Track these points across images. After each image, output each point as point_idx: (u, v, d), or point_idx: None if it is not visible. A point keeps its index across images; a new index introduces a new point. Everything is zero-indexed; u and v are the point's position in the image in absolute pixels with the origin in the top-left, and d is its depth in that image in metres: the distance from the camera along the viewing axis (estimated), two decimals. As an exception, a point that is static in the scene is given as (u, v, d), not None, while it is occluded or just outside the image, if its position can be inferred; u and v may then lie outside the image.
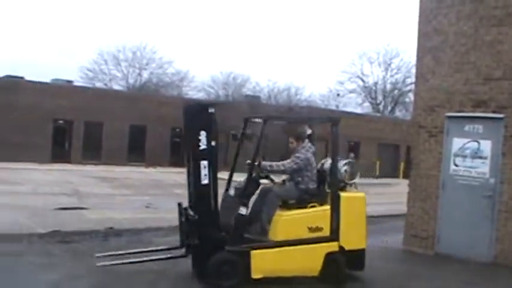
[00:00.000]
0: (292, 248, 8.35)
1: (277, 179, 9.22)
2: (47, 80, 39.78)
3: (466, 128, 11.24)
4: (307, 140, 9.08)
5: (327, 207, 8.61)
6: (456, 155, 11.32)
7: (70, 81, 41.79)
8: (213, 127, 8.34)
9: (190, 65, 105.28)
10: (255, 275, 8.18)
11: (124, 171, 32.84)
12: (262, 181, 8.87)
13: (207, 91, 60.46)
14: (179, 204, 8.65)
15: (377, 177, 40.58)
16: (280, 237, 8.39)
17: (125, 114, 38.51)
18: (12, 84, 35.24)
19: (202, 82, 61.34)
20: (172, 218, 10.02)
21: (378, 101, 65.86)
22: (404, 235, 12.11)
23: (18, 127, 33.59)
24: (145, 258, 8.70)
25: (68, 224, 12.70)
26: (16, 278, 8.23)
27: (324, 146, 28.54)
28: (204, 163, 8.22)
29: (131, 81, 57.23)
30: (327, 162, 9.08)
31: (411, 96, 42.54)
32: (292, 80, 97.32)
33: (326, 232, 8.52)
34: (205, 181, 8.23)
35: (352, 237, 8.68)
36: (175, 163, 36.39)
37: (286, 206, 8.72)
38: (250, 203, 8.58)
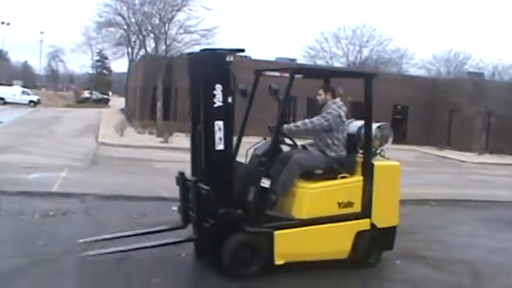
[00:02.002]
0: (320, 227, 7.00)
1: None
2: (272, 58, 37.69)
3: None
4: (339, 98, 7.57)
5: (359, 178, 7.29)
6: None
7: (293, 60, 39.98)
8: (230, 80, 6.72)
9: (410, 42, 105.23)
10: (278, 260, 6.83)
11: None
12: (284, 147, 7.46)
13: (427, 68, 60.30)
14: (181, 174, 7.13)
15: None
16: (306, 215, 7.00)
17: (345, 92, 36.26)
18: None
19: (422, 59, 61.29)
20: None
21: None
22: None
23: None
24: (142, 245, 7.07)
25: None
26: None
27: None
28: (219, 124, 6.65)
29: (351, 58, 57.24)
30: (352, 125, 7.69)
31: None
32: None
33: (357, 208, 7.26)
34: (220, 146, 6.68)
35: (384, 214, 7.45)
36: (395, 140, 33.91)
37: (312, 177, 7.22)
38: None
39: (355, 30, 57.89)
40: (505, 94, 32.70)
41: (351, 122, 7.78)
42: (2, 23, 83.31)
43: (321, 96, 7.52)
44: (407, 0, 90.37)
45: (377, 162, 7.45)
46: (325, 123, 7.21)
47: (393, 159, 7.81)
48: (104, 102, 71.34)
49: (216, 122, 6.64)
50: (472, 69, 48.34)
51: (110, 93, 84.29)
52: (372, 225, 7.34)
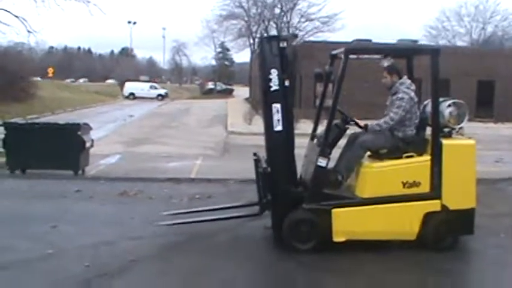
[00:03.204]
0: (382, 206, 6.97)
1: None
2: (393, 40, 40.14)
3: None
4: (405, 76, 7.48)
5: (427, 157, 7.07)
6: None
7: (415, 41, 42.18)
8: (286, 64, 7.10)
9: None
10: (337, 237, 6.98)
11: (471, 127, 31.88)
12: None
13: None
14: (254, 154, 7.63)
15: None
16: (368, 194, 7.04)
17: (472, 70, 36.63)
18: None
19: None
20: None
21: None
22: None
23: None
24: (211, 218, 7.82)
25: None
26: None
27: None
28: (276, 106, 7.07)
29: (475, 36, 56.68)
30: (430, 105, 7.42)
31: None
32: None
33: (425, 188, 7.02)
34: (278, 127, 7.10)
35: (457, 195, 7.08)
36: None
37: (377, 156, 7.30)
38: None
39: (478, 6, 54.68)
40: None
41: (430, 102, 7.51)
42: (129, 22, 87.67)
43: (387, 79, 7.45)
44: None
45: (447, 141, 7.14)
46: (402, 114, 7.15)
47: (471, 137, 7.51)
48: (228, 93, 73.20)
49: (274, 105, 7.06)
50: None
51: (233, 84, 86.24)
52: (443, 206, 7.03)
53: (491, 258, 7.18)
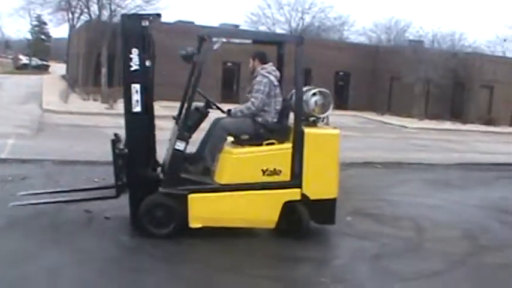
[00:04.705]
0: (240, 193, 6.87)
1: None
2: (216, 24, 38.30)
3: None
4: (271, 63, 7.42)
5: (288, 145, 7.01)
6: None
7: (236, 26, 40.93)
8: (148, 44, 6.93)
9: (352, 9, 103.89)
10: (193, 223, 6.84)
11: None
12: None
13: (368, 36, 59.79)
14: (115, 135, 7.28)
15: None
16: (226, 180, 6.91)
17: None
18: (184, 29, 31.97)
19: (364, 27, 62.00)
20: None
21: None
22: None
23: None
24: (67, 198, 7.55)
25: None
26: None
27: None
28: (135, 87, 6.86)
29: (294, 25, 56.19)
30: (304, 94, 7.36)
31: None
32: (456, 25, 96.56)
33: (285, 176, 6.95)
34: (136, 108, 6.89)
35: (319, 185, 7.06)
36: (338, 106, 33.92)
37: (238, 142, 7.21)
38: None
39: (300, -4, 58.06)
40: (444, 62, 33.72)
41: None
42: None
43: (250, 64, 7.44)
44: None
45: (309, 129, 7.09)
46: (263, 97, 7.08)
47: (336, 126, 7.49)
48: (43, 69, 69.56)
49: (133, 85, 6.86)
50: (412, 37, 48.16)
51: (50, 60, 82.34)
52: (304, 196, 6.98)
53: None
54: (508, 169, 15.20)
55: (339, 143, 7.25)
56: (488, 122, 33.65)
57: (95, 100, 28.04)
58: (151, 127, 7.12)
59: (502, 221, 9.13)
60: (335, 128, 7.45)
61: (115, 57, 30.60)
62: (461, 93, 36.02)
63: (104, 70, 29.17)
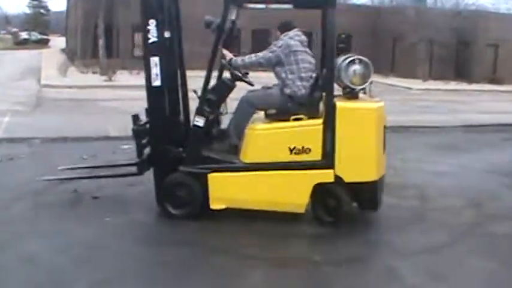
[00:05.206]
0: (265, 173, 6.27)
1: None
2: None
3: None
4: (296, 29, 6.71)
5: (318, 121, 6.25)
6: None
7: None
8: (167, 14, 6.47)
9: None
10: (214, 204, 6.38)
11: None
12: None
13: None
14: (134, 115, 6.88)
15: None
16: (250, 159, 6.34)
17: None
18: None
19: None
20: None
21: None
22: None
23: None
24: (93, 175, 7.40)
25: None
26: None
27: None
28: (154, 60, 6.42)
29: None
30: (339, 63, 6.49)
31: None
32: None
33: (316, 155, 6.21)
34: (156, 82, 6.46)
35: (354, 166, 6.25)
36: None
37: (268, 116, 6.61)
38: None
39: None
40: (447, 21, 33.01)
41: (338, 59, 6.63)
42: None
43: (275, 34, 6.85)
44: None
45: (341, 103, 6.28)
46: (271, 55, 6.44)
47: (380, 99, 6.75)
48: (44, 43, 68.98)
49: (152, 58, 6.44)
50: None
51: (49, 34, 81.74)
52: (337, 177, 6.23)
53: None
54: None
55: (381, 117, 6.43)
56: (494, 81, 33.13)
57: (94, 73, 27.78)
58: (177, 101, 6.75)
59: (510, 187, 8.75)
60: (378, 100, 6.69)
61: (112, 28, 30.13)
62: (465, 52, 35.44)
63: (101, 42, 28.70)
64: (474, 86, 31.22)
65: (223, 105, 6.89)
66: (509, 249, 6.17)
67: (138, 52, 26.85)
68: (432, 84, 30.93)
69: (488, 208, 7.53)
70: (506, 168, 9.98)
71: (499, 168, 9.88)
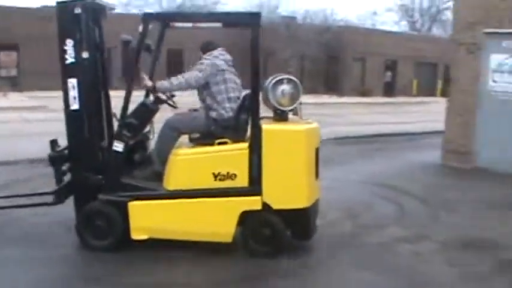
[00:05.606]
0: (188, 201, 5.99)
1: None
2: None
3: (504, 44, 11.32)
4: (220, 48, 6.53)
5: (243, 145, 6.00)
6: (495, 71, 11.52)
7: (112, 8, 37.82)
8: (85, 33, 6.09)
9: None
10: (135, 234, 6.06)
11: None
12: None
13: None
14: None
15: (414, 96, 41.70)
16: (173, 186, 6.05)
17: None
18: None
19: (236, 6, 59.05)
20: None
21: (415, 19, 64.68)
22: (442, 150, 12.51)
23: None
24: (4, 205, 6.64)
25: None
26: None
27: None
28: (72, 81, 6.09)
29: (165, 5, 54.89)
30: (267, 83, 6.36)
31: (449, 14, 43.91)
32: (326, 2, 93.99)
33: (242, 182, 5.95)
34: (74, 106, 6.14)
35: (283, 192, 5.98)
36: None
37: (190, 141, 6.31)
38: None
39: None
40: (316, 37, 34.21)
41: (268, 81, 6.46)
42: None
43: (199, 54, 6.55)
44: None
45: (267, 125, 6.02)
46: (199, 75, 6.15)
47: (311, 120, 6.47)
48: None
49: (69, 80, 6.11)
50: (285, 13, 48.26)
51: None
52: (265, 204, 5.96)
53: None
54: (384, 140, 16.02)
55: (311, 140, 6.20)
56: (363, 94, 34.77)
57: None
58: (99, 125, 6.41)
59: (382, 196, 9.13)
60: (309, 122, 6.40)
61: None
62: (335, 66, 36.87)
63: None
64: (345, 99, 32.88)
65: (150, 128, 6.62)
66: (382, 258, 6.30)
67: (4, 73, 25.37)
68: (304, 98, 31.56)
69: (364, 219, 7.87)
70: (378, 178, 10.52)
71: (371, 179, 10.41)
